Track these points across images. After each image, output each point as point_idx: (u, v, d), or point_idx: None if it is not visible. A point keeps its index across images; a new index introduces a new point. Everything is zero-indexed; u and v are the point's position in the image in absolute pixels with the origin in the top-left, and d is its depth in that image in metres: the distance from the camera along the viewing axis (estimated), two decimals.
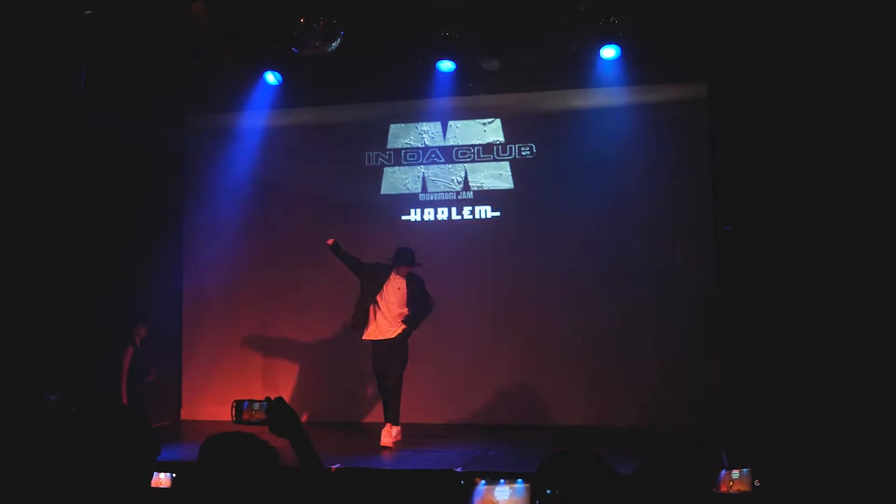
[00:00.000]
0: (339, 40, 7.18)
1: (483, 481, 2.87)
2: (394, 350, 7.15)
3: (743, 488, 3.63)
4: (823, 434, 6.06)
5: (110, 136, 7.94)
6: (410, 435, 7.42)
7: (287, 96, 8.75)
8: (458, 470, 6.01)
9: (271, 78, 8.38)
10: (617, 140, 8.33)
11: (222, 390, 8.60)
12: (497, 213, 8.75)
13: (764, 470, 3.78)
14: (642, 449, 6.81)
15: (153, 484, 3.37)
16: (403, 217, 8.93)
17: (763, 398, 6.83)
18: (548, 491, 2.53)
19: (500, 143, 8.83)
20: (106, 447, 2.37)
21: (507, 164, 8.79)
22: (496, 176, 8.81)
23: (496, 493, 2.84)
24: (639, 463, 2.70)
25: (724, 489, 3.60)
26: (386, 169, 9.05)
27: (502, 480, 2.85)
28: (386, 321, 7.19)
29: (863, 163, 6.73)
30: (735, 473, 3.64)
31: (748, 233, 7.32)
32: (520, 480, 2.83)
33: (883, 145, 6.67)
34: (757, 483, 3.63)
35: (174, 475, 3.51)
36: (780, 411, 6.59)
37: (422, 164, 8.98)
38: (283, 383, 8.78)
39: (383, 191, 9.03)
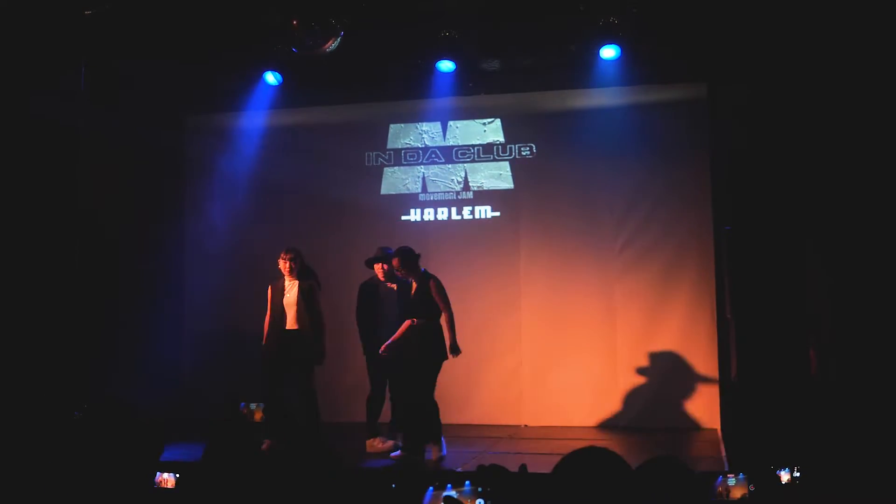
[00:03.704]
0: (339, 40, 7.17)
1: (431, 487, 2.90)
2: None
3: (742, 493, 3.63)
4: (823, 434, 6.06)
5: (110, 136, 7.92)
6: None
7: (287, 96, 8.73)
8: (458, 470, 6.02)
9: (271, 78, 8.37)
10: (617, 140, 8.33)
11: (223, 389, 8.58)
12: (497, 214, 8.75)
13: (763, 470, 3.78)
14: (641, 449, 6.82)
15: (158, 483, 3.38)
16: (403, 217, 8.93)
17: (763, 398, 6.84)
18: (479, 489, 2.54)
19: (500, 144, 8.83)
20: (108, 445, 2.37)
21: (507, 164, 8.79)
22: (496, 176, 8.81)
23: (443, 499, 2.87)
24: (637, 464, 2.70)
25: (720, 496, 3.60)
26: (386, 169, 9.05)
27: (449, 485, 2.88)
28: None
29: (863, 162, 6.74)
30: (731, 480, 3.64)
31: (748, 233, 7.33)
32: (467, 483, 2.87)
33: (884, 145, 6.67)
34: (752, 488, 3.64)
35: (178, 475, 3.51)
36: (779, 412, 6.60)
37: (422, 164, 8.98)
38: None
39: (383, 191, 9.03)
